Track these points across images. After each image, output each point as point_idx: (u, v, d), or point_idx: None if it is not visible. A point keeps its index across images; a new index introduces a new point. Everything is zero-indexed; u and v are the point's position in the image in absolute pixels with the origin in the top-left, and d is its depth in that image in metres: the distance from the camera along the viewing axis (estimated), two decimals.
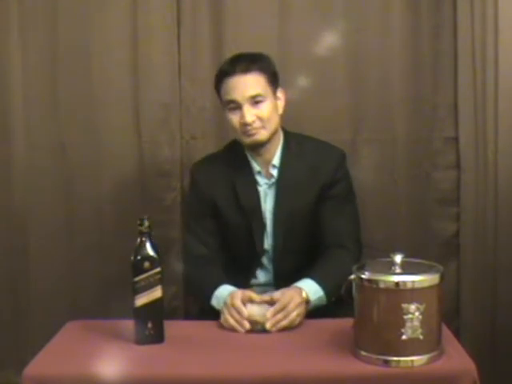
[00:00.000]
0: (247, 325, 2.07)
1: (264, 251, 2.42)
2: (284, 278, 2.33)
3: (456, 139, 2.89)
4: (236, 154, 2.41)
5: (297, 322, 2.07)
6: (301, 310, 2.09)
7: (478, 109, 2.83)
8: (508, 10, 2.78)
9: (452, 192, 2.91)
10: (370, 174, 2.73)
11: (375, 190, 2.79)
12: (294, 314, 2.06)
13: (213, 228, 2.42)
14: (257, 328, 2.07)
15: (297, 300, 2.09)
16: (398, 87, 2.89)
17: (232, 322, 2.09)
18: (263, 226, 2.40)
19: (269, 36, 2.81)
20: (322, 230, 2.38)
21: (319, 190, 2.37)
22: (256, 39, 2.76)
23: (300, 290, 2.15)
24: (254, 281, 2.46)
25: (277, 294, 2.12)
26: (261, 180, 2.40)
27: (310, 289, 2.15)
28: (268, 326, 2.05)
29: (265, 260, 2.44)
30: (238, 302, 2.10)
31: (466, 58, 2.82)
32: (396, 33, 2.86)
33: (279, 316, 2.05)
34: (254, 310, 2.10)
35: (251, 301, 2.12)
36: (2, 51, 2.87)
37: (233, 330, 2.08)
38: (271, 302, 2.10)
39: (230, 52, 2.78)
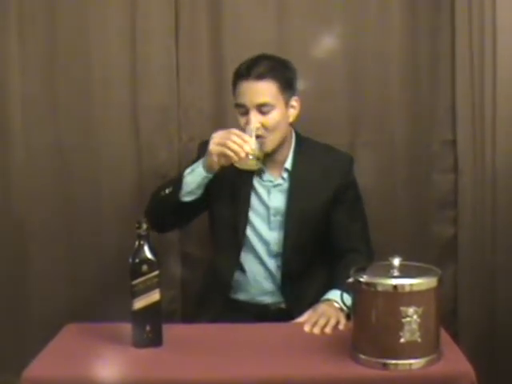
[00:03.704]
0: (249, 147, 2.16)
1: (243, 243, 2.41)
2: (290, 278, 2.39)
3: (454, 142, 2.89)
4: None
5: (341, 326, 2.08)
6: (339, 316, 2.10)
7: (476, 112, 2.84)
8: (506, 13, 2.79)
9: (450, 195, 2.92)
10: (368, 177, 2.73)
11: (373, 193, 2.79)
12: (333, 320, 2.08)
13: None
14: (252, 161, 2.18)
15: (332, 309, 2.13)
16: (396, 90, 2.90)
17: (234, 145, 2.14)
18: (246, 218, 2.40)
19: (267, 39, 2.82)
20: (337, 234, 2.41)
21: (332, 194, 2.38)
22: (254, 41, 2.77)
23: (331, 301, 2.18)
24: (240, 274, 2.45)
25: (309, 311, 2.19)
26: (264, 176, 2.40)
27: (340, 298, 2.11)
28: (307, 328, 2.06)
29: (263, 256, 2.43)
30: (236, 130, 2.19)
31: (464, 61, 2.83)
32: (394, 35, 2.87)
33: (321, 321, 2.07)
34: (250, 140, 2.19)
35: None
36: (0, 53, 2.86)
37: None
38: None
39: (228, 55, 2.81)
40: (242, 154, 2.17)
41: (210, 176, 2.26)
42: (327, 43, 2.85)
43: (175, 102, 2.89)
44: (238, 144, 2.16)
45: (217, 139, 2.20)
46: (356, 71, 2.89)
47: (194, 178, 2.26)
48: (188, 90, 2.89)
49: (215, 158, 2.21)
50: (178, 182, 2.29)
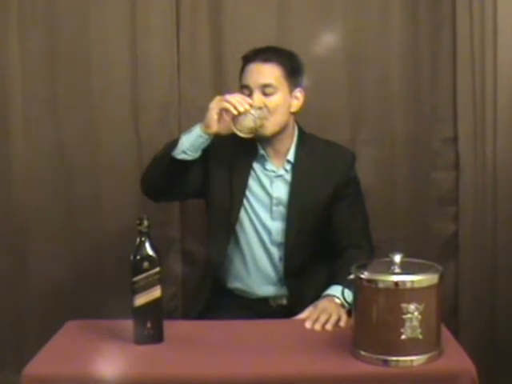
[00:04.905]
0: (247, 104, 2.21)
1: (234, 226, 2.41)
2: (292, 271, 2.39)
3: (455, 139, 2.89)
4: None
5: (342, 323, 2.08)
6: (340, 312, 2.11)
7: (477, 109, 2.84)
8: (507, 10, 2.79)
9: (451, 192, 2.92)
10: (369, 175, 2.73)
11: (374, 191, 2.79)
12: (334, 316, 2.08)
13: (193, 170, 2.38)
14: (250, 123, 2.22)
15: (333, 305, 2.13)
16: (396, 87, 2.90)
17: (234, 100, 2.21)
18: (242, 198, 2.41)
19: (268, 36, 2.81)
20: (338, 230, 2.41)
21: (333, 190, 2.39)
22: (255, 39, 2.75)
23: (332, 297, 2.18)
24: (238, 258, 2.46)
25: (311, 308, 2.19)
26: (267, 165, 2.41)
27: (341, 294, 2.11)
28: (309, 325, 2.07)
29: (266, 242, 2.42)
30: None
31: (464, 58, 2.83)
32: (395, 33, 2.87)
33: (322, 317, 2.07)
34: (252, 104, 2.25)
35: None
36: (0, 52, 2.86)
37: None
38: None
39: (229, 52, 2.81)
40: (241, 108, 2.21)
41: (206, 137, 2.27)
42: (328, 41, 2.85)
43: (176, 100, 2.89)
44: (238, 101, 2.23)
45: (219, 97, 2.27)
46: (357, 69, 2.89)
47: (190, 136, 2.28)
48: (189, 88, 2.89)
49: (214, 114, 2.24)
50: (173, 142, 2.32)
